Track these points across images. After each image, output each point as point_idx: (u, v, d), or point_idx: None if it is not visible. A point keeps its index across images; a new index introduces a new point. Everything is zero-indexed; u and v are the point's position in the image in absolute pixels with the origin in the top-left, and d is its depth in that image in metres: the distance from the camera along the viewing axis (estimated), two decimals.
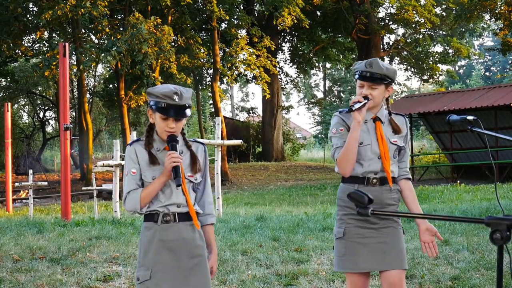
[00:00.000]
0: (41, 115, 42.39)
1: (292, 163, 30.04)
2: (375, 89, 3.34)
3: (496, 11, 25.44)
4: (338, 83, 53.51)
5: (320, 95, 55.79)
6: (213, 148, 10.91)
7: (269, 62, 23.58)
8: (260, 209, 12.63)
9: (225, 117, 31.82)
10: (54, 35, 29.40)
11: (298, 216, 9.59)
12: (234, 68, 23.89)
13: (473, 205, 10.22)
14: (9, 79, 36.63)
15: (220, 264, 6.03)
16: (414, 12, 26.17)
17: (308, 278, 5.51)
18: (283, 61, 35.41)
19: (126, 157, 3.12)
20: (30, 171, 14.58)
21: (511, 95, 20.04)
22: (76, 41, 23.06)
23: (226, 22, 26.31)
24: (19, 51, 28.15)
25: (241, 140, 11.54)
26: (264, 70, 23.63)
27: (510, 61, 50.34)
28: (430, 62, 31.52)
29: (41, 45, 30.70)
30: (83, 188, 18.24)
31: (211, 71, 30.01)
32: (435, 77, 32.25)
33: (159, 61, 22.13)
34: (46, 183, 18.74)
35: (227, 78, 25.12)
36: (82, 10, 20.42)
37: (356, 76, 3.40)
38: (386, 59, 36.53)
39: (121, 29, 23.82)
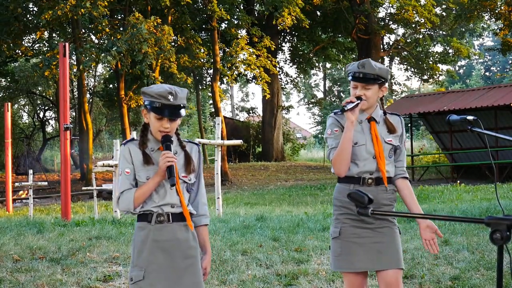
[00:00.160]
0: (41, 115, 42.40)
1: (292, 163, 30.05)
2: (369, 90, 3.36)
3: (496, 11, 25.44)
4: (338, 83, 53.52)
5: (320, 95, 55.81)
6: (213, 148, 10.92)
7: (269, 62, 23.57)
8: (260, 209, 12.63)
9: (225, 117, 31.81)
10: (54, 35, 29.41)
11: (298, 216, 9.58)
12: (234, 68, 23.89)
13: (473, 205, 10.22)
14: (9, 79, 36.64)
15: (220, 264, 6.03)
16: (414, 12, 26.16)
17: (308, 278, 5.51)
18: (283, 61, 35.42)
19: (120, 156, 3.11)
20: (30, 171, 14.58)
21: (511, 95, 20.04)
22: (76, 41, 23.06)
23: (226, 22, 26.31)
24: (19, 51, 28.16)
25: (241, 140, 11.54)
26: (264, 70, 23.62)
27: (510, 61, 50.36)
28: (430, 62, 31.52)
29: (41, 45, 30.72)
30: (83, 188, 18.24)
31: (211, 71, 30.02)
32: (435, 77, 32.25)
33: (159, 61, 22.13)
34: (46, 183, 18.75)
35: (227, 78, 25.13)
36: (82, 10, 20.41)
37: (349, 78, 3.42)
38: (386, 59, 36.56)
39: (121, 29, 23.82)
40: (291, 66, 36.26)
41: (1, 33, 24.78)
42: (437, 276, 5.45)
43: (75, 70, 22.85)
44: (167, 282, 3.02)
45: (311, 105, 55.26)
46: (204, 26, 28.46)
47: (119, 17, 26.24)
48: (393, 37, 36.78)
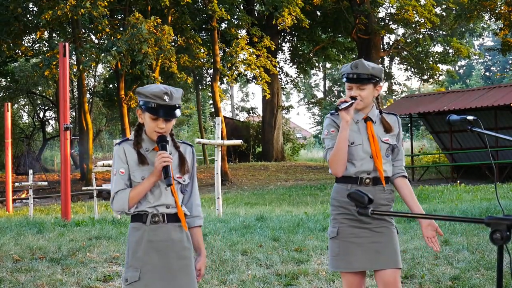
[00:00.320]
0: (41, 115, 42.42)
1: (292, 163, 30.04)
2: (364, 90, 3.38)
3: (496, 11, 25.44)
4: (338, 83, 53.50)
5: (320, 95, 55.81)
6: (213, 148, 10.92)
7: (269, 62, 23.57)
8: (260, 209, 12.62)
9: (225, 117, 31.81)
10: (54, 35, 29.42)
11: (298, 216, 9.58)
12: (234, 68, 23.88)
13: (473, 205, 10.22)
14: (9, 79, 36.65)
15: (220, 264, 6.03)
16: (414, 12, 26.16)
17: (308, 278, 5.51)
18: (283, 61, 35.41)
19: (115, 156, 3.09)
20: (30, 171, 14.57)
21: (511, 95, 20.04)
22: (76, 41, 23.05)
23: (226, 22, 26.31)
24: (19, 51, 28.16)
25: (241, 140, 11.53)
26: (264, 70, 23.62)
27: (510, 61, 50.36)
28: (430, 62, 31.52)
29: (41, 45, 30.72)
30: (83, 188, 18.23)
31: (211, 71, 30.01)
32: (435, 77, 32.25)
33: (160, 61, 22.13)
34: (46, 183, 18.74)
35: (227, 78, 25.12)
36: (82, 10, 20.41)
37: (344, 79, 3.44)
38: (386, 59, 36.58)
39: (121, 29, 23.82)
40: (291, 66, 36.27)
41: (1, 33, 24.78)
42: (437, 276, 5.45)
43: (75, 70, 22.84)
44: (162, 283, 3.01)
45: (311, 105, 55.27)
46: (204, 26, 28.46)
47: (119, 17, 26.24)
48: (393, 37, 36.82)
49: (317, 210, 11.48)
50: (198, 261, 3.17)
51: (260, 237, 7.36)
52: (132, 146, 3.08)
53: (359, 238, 3.35)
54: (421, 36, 30.80)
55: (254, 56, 23.47)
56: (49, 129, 44.62)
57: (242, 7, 28.13)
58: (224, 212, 10.80)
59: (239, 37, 24.47)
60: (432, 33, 32.06)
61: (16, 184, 16.34)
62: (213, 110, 34.62)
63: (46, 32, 27.82)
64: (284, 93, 46.83)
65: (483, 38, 53.70)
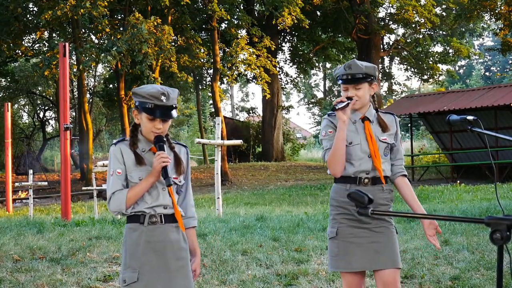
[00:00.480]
0: (41, 115, 42.42)
1: (292, 163, 30.04)
2: (359, 89, 3.40)
3: (496, 11, 25.44)
4: (338, 83, 53.50)
5: (320, 95, 55.80)
6: (213, 148, 10.92)
7: (269, 62, 23.57)
8: (260, 209, 12.62)
9: (225, 117, 31.81)
10: (54, 35, 29.41)
11: (298, 216, 9.58)
12: (234, 68, 23.88)
13: (473, 205, 10.22)
14: (9, 79, 36.66)
15: (220, 264, 6.03)
16: (414, 12, 26.16)
17: (308, 278, 5.51)
18: (283, 61, 35.41)
19: (111, 156, 3.07)
20: (30, 171, 14.57)
21: (511, 95, 20.04)
22: (76, 41, 23.05)
23: (226, 22, 26.31)
24: (19, 51, 28.16)
25: (241, 140, 11.53)
26: (264, 70, 23.62)
27: (510, 61, 50.36)
28: (430, 62, 31.51)
29: (41, 45, 30.72)
30: (83, 188, 18.23)
31: (211, 71, 30.01)
32: (435, 77, 32.24)
33: (160, 61, 22.12)
34: (46, 183, 18.74)
35: (227, 78, 25.11)
36: (82, 10, 20.41)
37: (340, 82, 3.46)
38: (386, 59, 36.58)
39: (121, 29, 23.82)
40: (291, 66, 36.27)
41: (1, 33, 24.79)
42: (437, 276, 5.45)
43: (75, 70, 22.84)
44: (160, 284, 3.01)
45: (311, 105, 55.27)
46: (204, 26, 28.45)
47: (119, 17, 26.24)
48: (393, 37, 36.81)
49: (317, 210, 11.48)
50: (193, 261, 3.18)
51: (260, 237, 7.36)
52: (128, 147, 3.07)
53: (358, 238, 3.36)
54: (421, 36, 30.79)
55: (254, 56, 23.46)
56: (49, 129, 44.65)
57: (242, 7, 28.12)
58: (224, 212, 10.80)
59: (239, 37, 24.46)
60: (432, 33, 32.06)
61: (16, 184, 16.34)
62: (213, 110, 34.62)
63: (46, 32, 27.82)
64: (284, 93, 46.83)
65: (483, 38, 53.73)
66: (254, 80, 29.14)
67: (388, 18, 31.03)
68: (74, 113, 36.01)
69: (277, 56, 31.69)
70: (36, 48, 31.02)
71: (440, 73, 32.89)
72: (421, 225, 3.52)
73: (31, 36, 30.82)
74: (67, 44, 11.10)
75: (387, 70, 38.28)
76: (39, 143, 42.98)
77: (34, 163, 33.98)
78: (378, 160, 3.38)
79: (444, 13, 30.67)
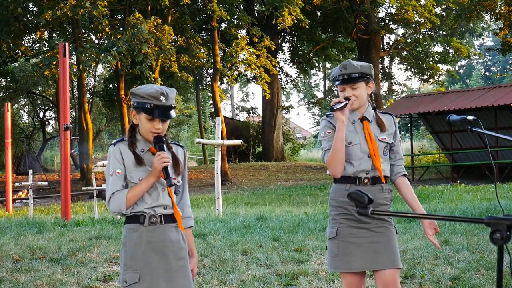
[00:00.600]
0: (41, 115, 42.43)
1: (292, 163, 30.03)
2: (356, 89, 3.41)
3: (496, 11, 25.44)
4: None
5: (320, 95, 55.79)
6: (213, 148, 10.91)
7: (269, 62, 23.57)
8: (260, 209, 12.62)
9: (225, 117, 31.80)
10: (54, 35, 29.41)
11: (298, 216, 9.58)
12: (234, 68, 23.87)
13: (473, 205, 10.22)
14: (9, 79, 36.66)
15: (220, 264, 6.03)
16: (414, 12, 26.15)
17: (308, 278, 5.51)
18: (283, 61, 35.41)
19: (111, 157, 3.07)
20: (30, 171, 14.57)
21: (511, 95, 20.03)
22: (76, 41, 23.06)
23: (226, 22, 26.31)
24: (19, 51, 28.16)
25: (241, 140, 11.53)
26: (264, 70, 23.62)
27: (510, 61, 50.35)
28: (430, 62, 31.51)
29: (41, 45, 30.72)
30: (83, 188, 18.22)
31: (211, 71, 30.01)
32: (435, 77, 32.24)
33: (160, 61, 22.12)
34: (46, 183, 18.74)
35: (227, 78, 25.11)
36: (82, 10, 20.40)
37: (336, 83, 3.47)
38: (386, 59, 36.57)
39: (121, 29, 23.81)
40: (291, 66, 36.27)
41: (1, 33, 24.78)
42: (437, 276, 5.45)
43: (75, 70, 22.84)
44: (162, 284, 3.01)
45: (311, 105, 55.26)
46: (204, 26, 28.45)
47: (119, 17, 26.24)
48: (393, 37, 36.80)
49: (317, 210, 11.48)
50: (191, 261, 3.18)
51: (260, 237, 7.36)
52: (127, 147, 3.06)
53: (358, 239, 3.36)
54: (421, 36, 30.79)
55: (254, 56, 23.46)
56: (49, 129, 44.67)
57: (242, 7, 28.12)
58: (224, 212, 10.80)
59: (239, 37, 24.46)
60: (432, 33, 32.06)
61: (16, 184, 16.34)
62: (213, 110, 34.62)
63: (46, 32, 27.82)
64: (284, 93, 46.83)
65: (483, 38, 53.73)
66: (254, 80, 29.15)
67: (388, 18, 31.02)
68: (74, 113, 36.01)
69: (277, 56, 31.69)
70: (36, 48, 31.03)
71: (440, 73, 32.89)
72: (421, 225, 3.53)
73: (31, 36, 30.83)
74: (67, 44, 11.10)
75: (387, 70, 38.28)
76: (39, 143, 43.00)
77: (34, 163, 33.99)
78: (378, 159, 3.39)
79: (444, 13, 30.67)
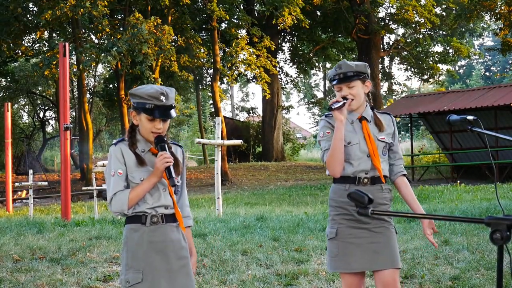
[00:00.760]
0: (41, 115, 42.43)
1: (292, 163, 30.04)
2: (353, 87, 3.42)
3: (496, 11, 25.45)
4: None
5: (320, 95, 55.79)
6: (213, 148, 10.91)
7: (269, 62, 23.57)
8: (260, 209, 12.62)
9: (225, 117, 31.81)
10: (54, 35, 29.42)
11: (298, 216, 9.58)
12: (234, 68, 23.87)
13: (473, 205, 10.22)
14: (9, 79, 36.66)
15: (220, 264, 6.03)
16: (414, 12, 26.15)
17: (308, 278, 5.51)
18: (283, 61, 35.41)
19: (112, 157, 3.06)
20: (30, 171, 14.57)
21: (511, 95, 20.03)
22: (76, 41, 23.05)
23: (226, 22, 26.31)
24: (19, 51, 28.16)
25: (241, 140, 11.53)
26: (264, 70, 23.62)
27: (510, 61, 50.35)
28: (430, 62, 31.51)
29: (41, 45, 30.72)
30: (83, 188, 18.23)
31: (211, 71, 30.00)
32: (435, 77, 32.24)
33: (160, 61, 22.12)
34: (46, 183, 18.74)
35: (227, 78, 25.11)
36: (82, 10, 20.40)
37: (333, 82, 3.47)
38: (386, 59, 36.56)
39: (121, 29, 23.81)
40: (291, 66, 36.27)
41: (1, 33, 24.78)
42: (437, 276, 5.45)
43: (75, 70, 22.83)
44: (164, 283, 3.02)
45: (311, 105, 55.27)
46: (204, 26, 28.45)
47: (119, 17, 26.24)
48: (393, 37, 36.80)
49: (317, 210, 11.48)
50: (190, 261, 3.18)
51: (260, 237, 7.36)
52: (128, 147, 3.07)
53: (358, 239, 3.36)
54: (421, 36, 30.78)
55: (254, 56, 23.46)
56: (49, 129, 44.68)
57: (242, 7, 28.12)
58: (224, 212, 10.80)
59: (239, 37, 24.46)
60: (432, 33, 32.06)
61: (16, 184, 16.34)
62: (213, 110, 34.62)
63: (46, 32, 27.82)
64: (284, 93, 46.83)
65: (483, 38, 53.73)
66: (254, 80, 29.14)
67: (388, 18, 31.02)
68: (74, 113, 36.01)
69: (277, 56, 31.69)
70: (36, 48, 31.03)
71: (440, 73, 32.89)
72: (421, 225, 3.53)
73: (31, 36, 30.83)
74: (67, 44, 11.10)
75: (387, 70, 38.27)
76: (39, 143, 43.00)
77: (34, 163, 33.99)
78: (377, 159, 3.39)
79: (444, 13, 30.67)
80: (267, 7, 23.86)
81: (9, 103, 17.45)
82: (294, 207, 13.57)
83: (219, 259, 6.19)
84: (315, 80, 60.29)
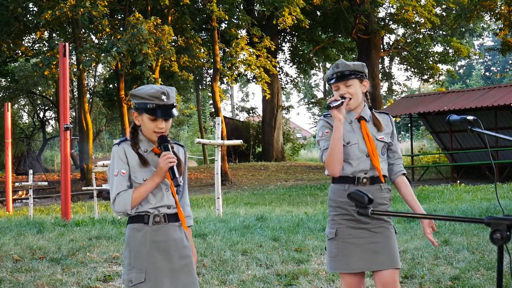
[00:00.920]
0: (41, 115, 42.42)
1: (292, 163, 30.03)
2: (350, 86, 3.42)
3: (496, 11, 25.45)
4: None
5: (320, 95, 55.78)
6: (213, 148, 10.92)
7: (269, 62, 23.56)
8: (260, 209, 12.62)
9: (225, 117, 31.81)
10: (54, 35, 29.42)
11: (298, 216, 9.58)
12: (234, 68, 23.87)
13: (473, 205, 10.22)
14: (9, 79, 36.65)
15: (220, 264, 6.03)
16: (414, 12, 26.15)
17: (308, 278, 5.51)
18: (283, 61, 35.41)
19: (115, 157, 3.06)
20: (30, 171, 14.57)
21: (511, 95, 20.03)
22: (76, 41, 23.05)
23: (226, 22, 26.30)
24: (19, 51, 28.17)
25: (241, 140, 11.53)
26: (264, 70, 23.62)
27: (510, 61, 50.35)
28: (430, 62, 31.51)
29: (41, 45, 30.73)
30: (83, 188, 18.23)
31: (211, 71, 30.01)
32: (435, 77, 32.23)
33: (160, 61, 22.11)
34: (46, 183, 18.73)
35: (227, 78, 25.11)
36: (81, 10, 20.40)
37: (331, 81, 3.47)
38: (386, 59, 36.56)
39: (121, 29, 23.81)
40: (291, 66, 36.27)
41: (1, 33, 24.79)
42: (437, 276, 5.45)
43: (75, 70, 22.83)
44: (168, 283, 3.03)
45: (311, 105, 55.26)
46: (204, 26, 28.45)
47: (119, 17, 26.24)
48: (393, 37, 36.79)
49: (317, 210, 11.48)
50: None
51: (260, 237, 7.36)
52: (131, 147, 3.07)
53: (357, 239, 3.35)
54: (421, 36, 30.79)
55: (254, 56, 23.46)
56: (49, 129, 44.68)
57: (242, 7, 28.12)
58: (224, 212, 10.80)
59: (239, 37, 24.46)
60: (432, 33, 32.06)
61: (16, 184, 16.34)
62: (213, 110, 34.61)
63: (46, 32, 27.83)
64: (284, 93, 46.82)
65: (483, 38, 53.72)
66: (254, 80, 29.14)
67: (388, 18, 31.02)
68: (74, 113, 36.01)
69: (277, 56, 31.70)
70: (36, 48, 31.04)
71: (440, 73, 32.89)
72: (420, 225, 3.53)
73: (31, 36, 30.83)
74: (67, 44, 11.10)
75: (387, 70, 38.27)
76: (39, 143, 42.99)
77: (34, 163, 33.99)
78: (377, 159, 3.39)
79: (444, 13, 30.66)
80: (267, 7, 23.86)
81: (9, 103, 17.45)
82: (294, 207, 13.57)
83: (219, 259, 6.20)
84: (315, 80, 60.33)
